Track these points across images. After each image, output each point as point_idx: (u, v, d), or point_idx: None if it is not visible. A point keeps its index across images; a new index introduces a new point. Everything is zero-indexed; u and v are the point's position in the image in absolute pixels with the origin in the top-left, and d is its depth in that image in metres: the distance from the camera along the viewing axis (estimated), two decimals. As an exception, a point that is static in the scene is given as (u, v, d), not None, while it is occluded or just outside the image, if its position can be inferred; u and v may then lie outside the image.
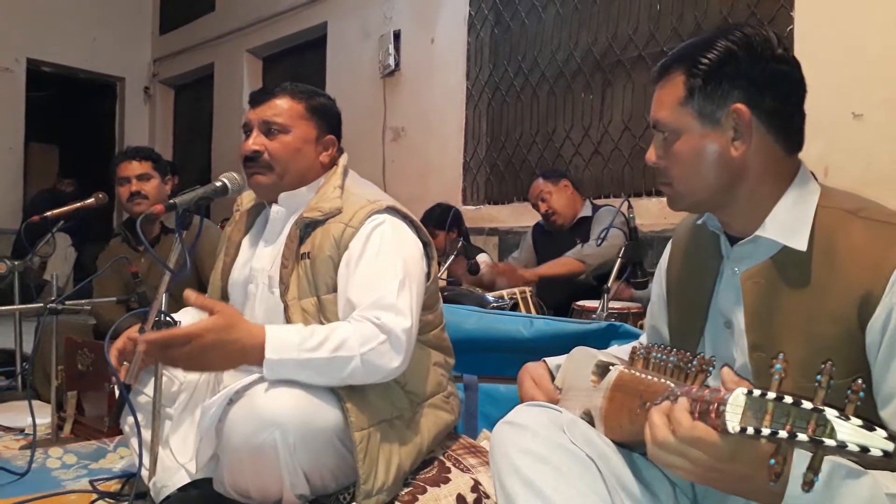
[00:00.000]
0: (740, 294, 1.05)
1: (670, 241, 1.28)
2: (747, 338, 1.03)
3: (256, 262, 1.69)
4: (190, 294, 1.40)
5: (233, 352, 1.36)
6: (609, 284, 2.43)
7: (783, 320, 0.99)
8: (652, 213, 3.78)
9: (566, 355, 1.29)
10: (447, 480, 1.58)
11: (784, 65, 1.01)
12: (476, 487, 1.58)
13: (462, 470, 1.63)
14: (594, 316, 2.38)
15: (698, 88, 1.01)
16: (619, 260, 2.50)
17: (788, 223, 1.00)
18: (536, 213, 3.50)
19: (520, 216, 4.59)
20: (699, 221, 1.16)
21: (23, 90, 7.29)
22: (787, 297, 0.99)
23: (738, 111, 0.99)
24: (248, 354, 1.37)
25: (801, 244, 0.98)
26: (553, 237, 3.40)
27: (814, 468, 0.67)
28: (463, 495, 1.55)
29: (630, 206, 2.56)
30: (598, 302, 2.46)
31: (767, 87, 0.99)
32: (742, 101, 0.99)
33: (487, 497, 1.56)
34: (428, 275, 1.63)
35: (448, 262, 3.32)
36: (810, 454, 0.68)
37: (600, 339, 2.06)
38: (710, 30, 1.08)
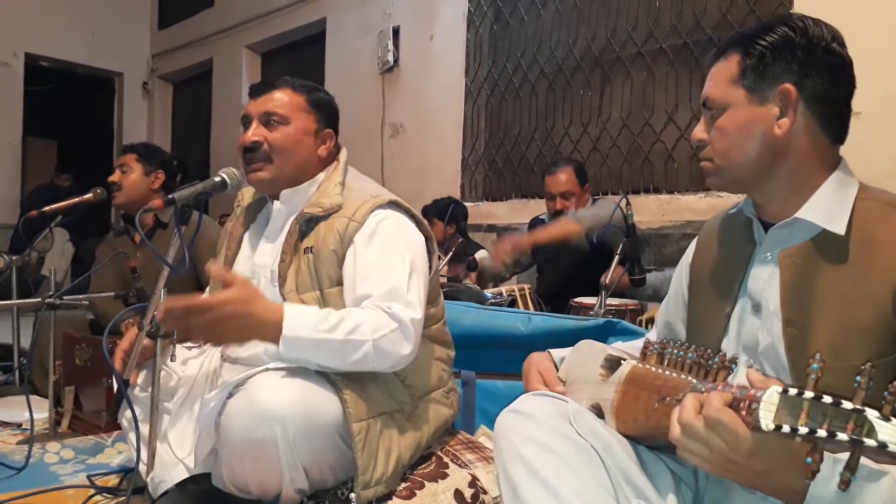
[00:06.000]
0: (774, 275, 1.06)
1: (696, 237, 1.29)
2: (782, 312, 1.04)
3: (258, 257, 1.69)
4: (211, 266, 1.43)
5: (249, 325, 1.35)
6: (606, 281, 2.43)
7: (818, 300, 1.01)
8: (650, 210, 3.78)
9: (571, 347, 1.29)
10: (445, 476, 1.58)
11: (837, 57, 1.05)
12: (474, 483, 1.58)
13: (460, 465, 1.63)
14: (592, 312, 2.38)
15: (752, 67, 1.05)
16: (616, 256, 2.50)
17: (828, 208, 1.03)
18: (534, 209, 3.49)
19: (518, 213, 4.59)
20: (732, 211, 1.19)
21: (21, 85, 7.27)
22: (824, 278, 1.01)
23: (786, 90, 1.03)
24: (265, 329, 1.36)
25: (839, 228, 1.01)
26: None
27: (851, 467, 0.67)
28: (461, 490, 1.55)
29: (628, 203, 2.57)
30: (595, 298, 2.47)
31: (818, 73, 1.03)
32: (791, 82, 1.03)
33: (485, 492, 1.57)
34: (429, 268, 1.64)
35: (447, 259, 3.32)
36: (834, 455, 0.68)
37: (598, 336, 2.06)
38: (773, 18, 1.12)
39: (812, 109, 1.04)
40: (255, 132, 1.62)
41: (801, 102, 1.03)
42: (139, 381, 1.66)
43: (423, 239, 1.64)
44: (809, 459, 0.70)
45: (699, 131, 1.12)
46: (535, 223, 3.54)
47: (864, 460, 0.81)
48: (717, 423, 0.79)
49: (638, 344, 1.12)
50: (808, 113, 1.04)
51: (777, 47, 1.04)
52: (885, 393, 0.68)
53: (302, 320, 1.38)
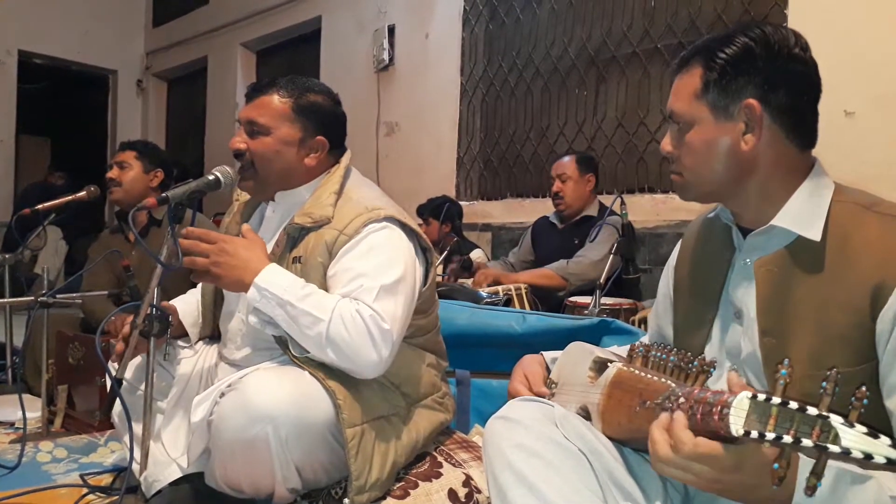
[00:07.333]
0: (753, 282, 1.05)
1: (680, 240, 1.29)
2: (758, 323, 1.03)
3: None
4: (243, 226, 1.57)
5: (239, 266, 1.45)
6: (601, 280, 2.44)
7: (795, 308, 1.00)
8: (645, 209, 3.78)
9: (563, 350, 1.30)
10: (439, 475, 1.58)
11: (800, 64, 1.03)
12: (468, 482, 1.58)
13: (454, 465, 1.63)
14: (586, 312, 2.39)
15: (714, 82, 1.03)
16: (611, 256, 2.51)
17: (803, 214, 1.02)
18: (529, 208, 3.48)
19: (513, 212, 4.59)
20: (711, 215, 1.18)
21: (14, 82, 7.24)
22: (800, 286, 1.00)
23: (749, 106, 1.02)
24: (247, 273, 1.44)
25: (815, 234, 1.00)
26: (553, 235, 3.36)
27: (817, 473, 0.68)
28: (454, 490, 1.55)
29: (623, 203, 2.57)
30: (590, 298, 2.47)
31: (781, 84, 1.02)
32: (755, 97, 1.01)
33: (479, 492, 1.57)
34: (425, 280, 1.62)
35: (442, 258, 3.32)
36: (815, 460, 0.68)
37: (592, 335, 2.07)
38: (733, 25, 1.10)
39: (778, 122, 1.02)
40: (239, 139, 1.61)
41: (767, 116, 1.02)
42: (132, 378, 1.65)
43: (416, 255, 1.59)
44: (777, 465, 0.70)
45: (667, 144, 1.12)
46: (540, 223, 3.50)
47: (850, 466, 0.81)
48: (697, 457, 0.79)
49: (628, 347, 1.12)
50: (774, 126, 1.02)
51: (738, 60, 1.02)
52: (852, 398, 0.68)
53: (277, 278, 1.45)
